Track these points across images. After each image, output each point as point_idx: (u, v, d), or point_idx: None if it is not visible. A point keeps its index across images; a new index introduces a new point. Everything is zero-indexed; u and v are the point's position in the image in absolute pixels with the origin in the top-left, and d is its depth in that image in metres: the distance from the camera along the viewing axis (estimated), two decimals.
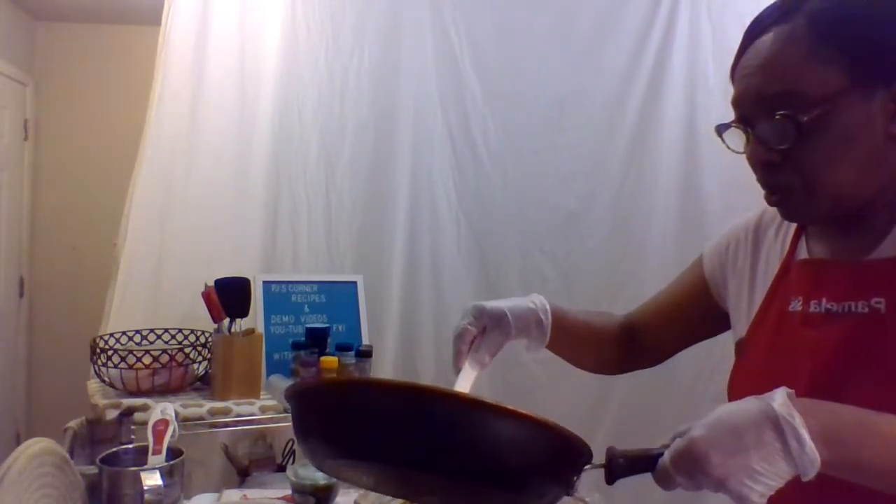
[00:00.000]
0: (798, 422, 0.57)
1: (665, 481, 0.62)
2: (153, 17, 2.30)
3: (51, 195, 3.64)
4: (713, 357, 2.22)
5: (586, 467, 0.64)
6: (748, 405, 0.60)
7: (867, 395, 0.70)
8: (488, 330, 0.89)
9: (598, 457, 0.66)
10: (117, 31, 3.56)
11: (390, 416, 0.59)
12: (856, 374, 0.73)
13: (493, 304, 0.90)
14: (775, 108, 0.73)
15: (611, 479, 0.65)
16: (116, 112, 3.48)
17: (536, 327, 0.92)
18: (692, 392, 2.33)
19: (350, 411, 0.62)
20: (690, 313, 1.01)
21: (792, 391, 0.60)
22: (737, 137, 0.79)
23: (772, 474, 0.57)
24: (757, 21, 0.78)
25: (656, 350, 1.06)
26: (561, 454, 0.62)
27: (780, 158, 0.75)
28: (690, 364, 2.31)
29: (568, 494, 0.64)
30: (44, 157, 3.65)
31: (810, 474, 0.58)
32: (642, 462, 0.64)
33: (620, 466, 0.64)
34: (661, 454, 0.62)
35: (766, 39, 0.75)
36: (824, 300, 0.78)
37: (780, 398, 0.59)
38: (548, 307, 0.94)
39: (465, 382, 0.85)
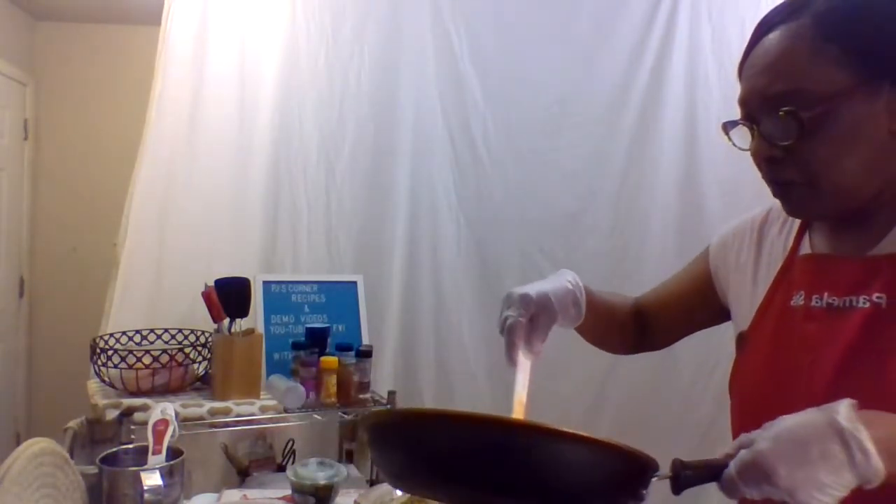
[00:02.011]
0: (864, 435, 0.58)
1: (732, 491, 0.63)
2: (153, 17, 2.30)
3: (51, 195, 3.64)
4: (714, 355, 2.23)
5: (654, 479, 0.66)
6: (813, 417, 0.61)
7: (868, 389, 0.71)
8: (536, 317, 0.88)
9: None
10: (117, 31, 3.56)
11: (474, 448, 0.62)
12: (857, 368, 0.74)
13: (536, 289, 0.89)
14: (780, 106, 0.74)
15: (677, 490, 0.66)
16: (116, 112, 3.48)
17: (574, 307, 0.92)
18: (692, 391, 2.33)
19: (436, 444, 0.64)
20: (692, 303, 1.03)
21: (855, 402, 0.61)
22: (743, 135, 0.80)
23: (838, 485, 0.58)
24: (764, 20, 0.79)
25: (662, 335, 1.09)
26: (634, 473, 0.65)
27: (784, 154, 0.76)
28: (691, 362, 2.31)
29: None
30: (44, 157, 3.65)
31: (874, 484, 0.59)
32: (708, 472, 0.65)
33: (688, 478, 0.65)
34: (726, 465, 0.63)
35: (773, 38, 0.76)
36: (826, 294, 0.78)
37: (844, 411, 0.59)
38: (581, 286, 0.93)
39: (522, 375, 0.85)
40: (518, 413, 0.84)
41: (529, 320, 0.87)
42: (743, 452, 0.62)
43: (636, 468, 0.65)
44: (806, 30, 0.74)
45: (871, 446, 0.57)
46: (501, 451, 0.60)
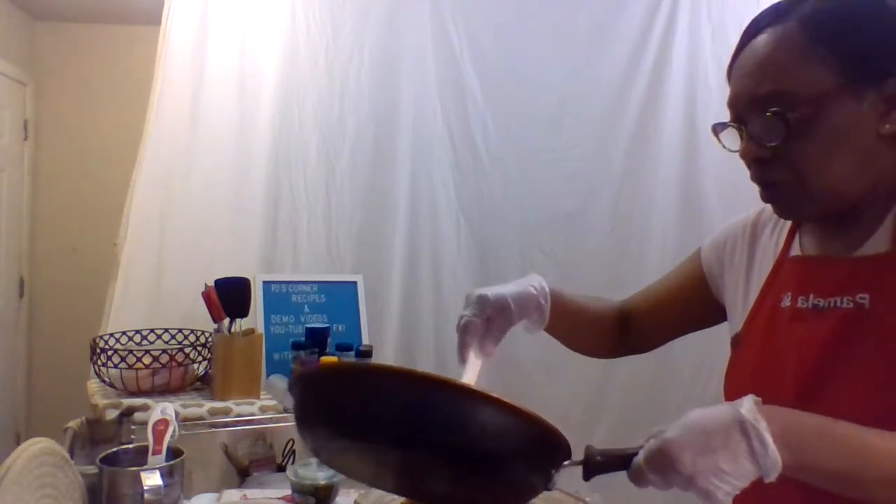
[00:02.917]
0: (763, 426, 0.61)
1: (638, 479, 0.65)
2: (153, 17, 2.30)
3: (51, 195, 3.64)
4: (712, 357, 2.23)
5: (564, 463, 0.67)
6: (718, 410, 0.63)
7: (851, 390, 0.73)
8: (492, 319, 0.88)
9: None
10: (117, 31, 3.56)
11: (387, 399, 0.64)
12: (840, 368, 0.75)
13: (495, 291, 0.89)
14: (767, 107, 0.75)
15: (587, 475, 0.68)
16: (116, 112, 3.48)
17: (536, 311, 0.92)
18: (691, 392, 2.33)
19: (350, 394, 0.66)
20: (685, 304, 1.03)
21: (759, 399, 0.64)
22: (732, 137, 0.81)
23: (737, 474, 0.61)
24: (753, 23, 0.80)
25: (649, 337, 1.08)
26: (538, 444, 0.65)
27: (771, 155, 0.76)
28: (689, 364, 2.31)
29: (547, 489, 0.67)
30: (44, 157, 3.65)
31: (772, 475, 0.61)
32: (618, 460, 0.67)
33: (597, 464, 0.68)
34: (636, 453, 0.65)
35: (761, 40, 0.77)
36: (812, 296, 0.79)
37: (747, 404, 0.62)
38: (547, 291, 0.93)
39: (471, 374, 0.85)
40: None
41: (486, 321, 0.88)
42: (651, 441, 0.64)
43: (549, 445, 0.65)
44: (793, 32, 0.75)
45: (769, 437, 0.60)
46: (412, 405, 0.62)
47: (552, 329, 0.96)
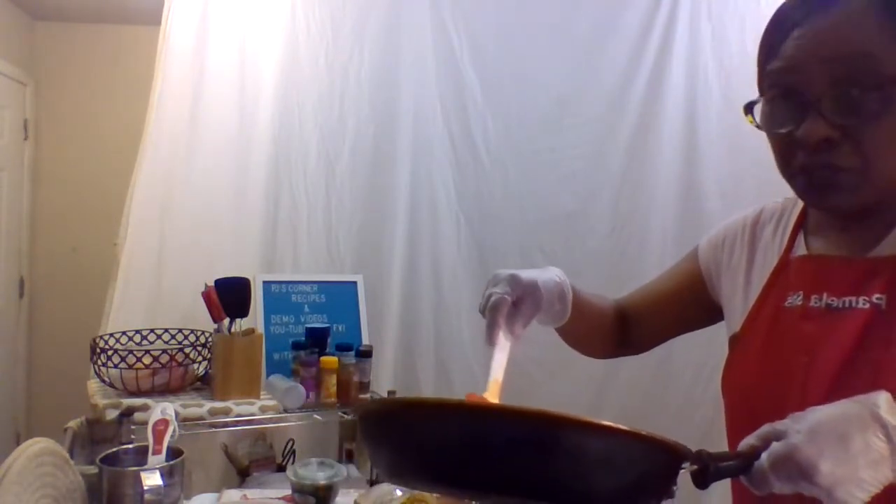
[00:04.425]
0: None
1: (761, 485, 0.59)
2: (153, 17, 2.30)
3: (51, 195, 3.64)
4: (713, 357, 2.22)
5: (682, 469, 0.61)
6: (851, 409, 0.58)
7: (865, 390, 0.71)
8: (521, 301, 0.84)
9: None
10: (117, 31, 3.56)
11: (475, 442, 0.55)
12: (853, 369, 0.73)
13: (526, 274, 0.85)
14: (847, 79, 0.70)
15: (704, 483, 0.61)
16: (116, 112, 3.48)
17: (560, 302, 0.89)
18: (692, 392, 2.33)
19: (429, 436, 0.57)
20: (681, 303, 1.01)
21: (890, 396, 0.58)
22: (767, 116, 0.76)
23: (875, 481, 0.56)
24: (795, 4, 0.75)
25: (644, 337, 1.06)
26: (664, 466, 0.59)
27: (841, 136, 0.71)
28: (689, 364, 2.31)
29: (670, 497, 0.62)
30: (44, 157, 3.65)
31: None
32: (738, 465, 0.61)
33: (717, 470, 0.61)
34: (755, 456, 0.59)
35: (834, 12, 0.71)
36: (825, 295, 0.77)
37: (884, 403, 0.57)
38: (569, 283, 0.91)
39: (501, 356, 0.81)
40: (493, 394, 0.79)
41: (514, 304, 0.83)
42: (776, 445, 0.58)
43: (667, 460, 0.59)
44: (867, 7, 0.70)
45: None
46: (510, 445, 0.53)
47: (564, 326, 0.93)
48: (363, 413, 0.66)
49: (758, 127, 0.78)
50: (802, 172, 0.75)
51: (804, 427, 0.58)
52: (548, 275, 0.88)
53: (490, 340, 0.81)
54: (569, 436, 0.54)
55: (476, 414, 0.57)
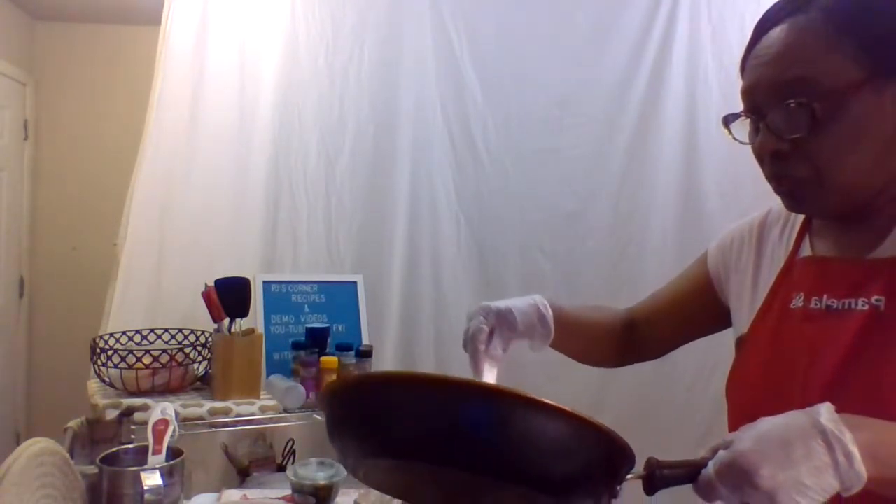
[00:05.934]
0: (848, 438, 0.57)
1: (708, 493, 0.61)
2: (153, 17, 2.30)
3: (51, 195, 3.64)
4: (713, 357, 2.22)
5: (628, 476, 0.62)
6: (795, 418, 0.59)
7: (864, 392, 0.71)
8: (496, 328, 0.90)
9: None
10: (117, 31, 3.56)
11: (431, 412, 0.58)
12: (853, 371, 0.73)
13: (498, 302, 0.92)
14: (790, 97, 0.73)
15: (651, 489, 0.63)
16: (116, 112, 3.48)
17: (541, 324, 0.93)
18: (692, 392, 2.33)
19: (390, 407, 0.60)
20: (692, 308, 1.02)
21: (833, 406, 0.59)
22: (743, 129, 0.80)
23: (819, 489, 0.57)
24: (767, 16, 0.79)
25: (657, 344, 1.08)
26: (608, 458, 0.60)
27: (791, 148, 0.75)
28: (690, 365, 2.31)
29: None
30: (44, 156, 3.65)
31: (854, 490, 0.57)
32: (684, 473, 0.62)
33: (662, 477, 0.63)
34: (704, 465, 0.61)
35: (780, 30, 0.76)
36: (825, 297, 0.78)
37: (826, 413, 0.58)
38: (548, 305, 0.95)
39: (490, 380, 0.86)
40: None
41: (490, 332, 0.90)
42: (722, 453, 0.60)
43: (613, 454, 0.60)
44: (816, 23, 0.73)
45: (855, 450, 0.56)
46: (467, 419, 0.56)
47: (559, 345, 0.97)
48: (327, 399, 0.66)
49: (734, 139, 0.82)
50: (772, 182, 0.80)
51: (750, 435, 0.59)
52: (524, 300, 0.94)
53: (475, 371, 0.88)
54: (504, 408, 0.56)
55: (421, 385, 0.60)
